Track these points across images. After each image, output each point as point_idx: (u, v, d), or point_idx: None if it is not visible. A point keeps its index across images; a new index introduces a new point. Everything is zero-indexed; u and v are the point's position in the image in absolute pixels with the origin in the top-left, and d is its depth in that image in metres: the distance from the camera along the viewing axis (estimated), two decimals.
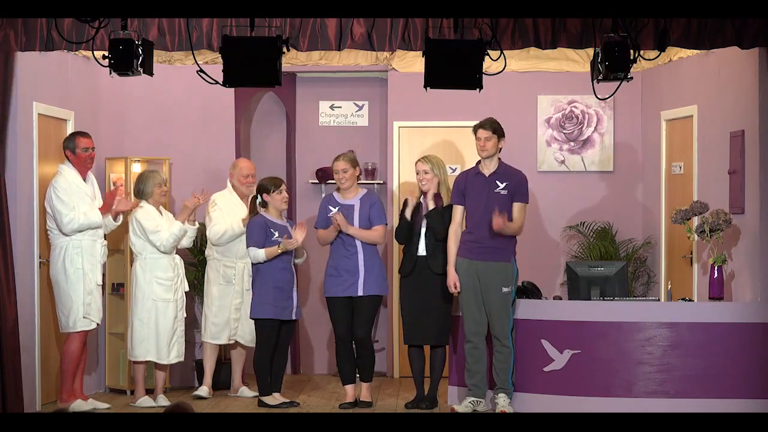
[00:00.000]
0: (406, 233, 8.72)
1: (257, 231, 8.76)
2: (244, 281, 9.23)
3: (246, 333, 9.24)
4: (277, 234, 8.76)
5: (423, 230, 8.69)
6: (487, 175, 8.50)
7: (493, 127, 8.47)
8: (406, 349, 9.04)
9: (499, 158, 8.54)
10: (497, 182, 8.46)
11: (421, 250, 8.70)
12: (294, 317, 8.88)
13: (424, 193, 8.71)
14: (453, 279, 8.49)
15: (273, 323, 8.77)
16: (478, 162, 8.58)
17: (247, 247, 8.78)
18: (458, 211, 8.58)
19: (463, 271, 8.46)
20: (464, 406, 8.40)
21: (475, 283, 8.41)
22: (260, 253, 8.72)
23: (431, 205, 8.65)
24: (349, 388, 8.82)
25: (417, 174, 8.73)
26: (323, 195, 10.36)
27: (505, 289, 8.39)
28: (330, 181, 10.41)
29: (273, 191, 8.82)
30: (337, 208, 8.78)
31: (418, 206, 8.76)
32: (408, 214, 8.71)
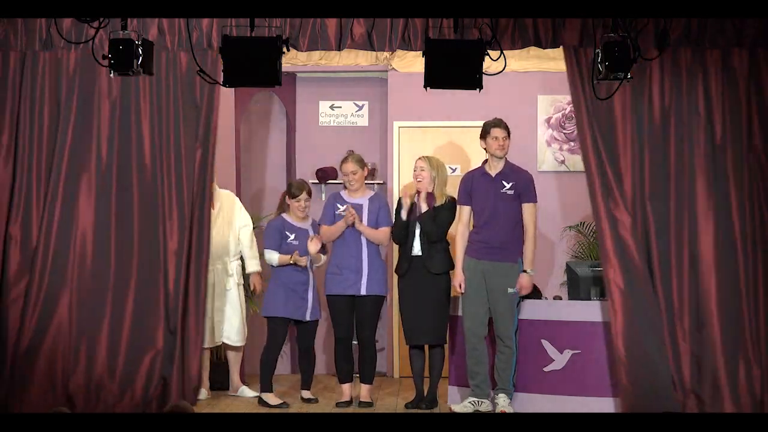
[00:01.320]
0: (403, 233, 8.73)
1: (273, 234, 8.87)
2: (224, 282, 9.21)
3: (232, 333, 9.21)
4: (293, 236, 8.86)
5: (417, 230, 8.70)
6: (493, 176, 8.49)
7: (507, 126, 8.49)
8: (407, 349, 9.05)
9: (506, 158, 8.55)
10: (503, 182, 8.46)
11: (416, 250, 8.70)
12: (308, 318, 8.90)
13: (419, 192, 8.73)
14: (459, 279, 8.49)
15: (282, 322, 8.81)
16: (484, 162, 8.58)
17: (264, 249, 8.87)
18: (465, 212, 8.58)
19: (470, 271, 8.45)
20: (463, 406, 8.40)
21: (481, 283, 8.41)
22: (274, 258, 8.84)
23: (424, 208, 8.66)
24: (346, 386, 8.82)
25: (414, 171, 8.76)
26: (323, 195, 10.36)
27: (511, 290, 8.39)
28: (330, 181, 10.41)
29: (294, 197, 8.89)
30: (345, 206, 8.80)
31: (412, 206, 8.76)
32: (404, 214, 8.72)
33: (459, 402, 8.58)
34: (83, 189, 8.36)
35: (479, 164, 8.66)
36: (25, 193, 8.36)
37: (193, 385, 8.39)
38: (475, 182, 8.54)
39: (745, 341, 8.09)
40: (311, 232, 8.94)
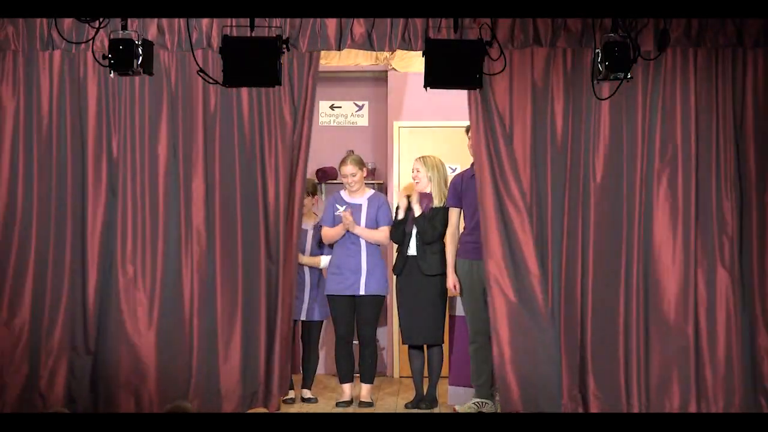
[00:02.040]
0: (399, 233, 8.75)
1: None
2: None
3: None
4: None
5: (414, 230, 8.70)
6: None
7: None
8: (407, 349, 9.05)
9: None
10: None
11: (412, 250, 8.71)
12: (303, 317, 8.92)
13: (417, 193, 8.74)
14: (453, 281, 8.49)
15: None
16: (472, 164, 8.58)
17: None
18: (454, 214, 8.58)
19: (465, 273, 8.46)
20: (468, 407, 8.40)
21: (476, 283, 8.41)
22: None
23: (417, 209, 8.66)
24: (347, 386, 8.83)
25: (412, 172, 8.78)
26: (323, 195, 10.36)
27: None
28: (330, 181, 10.41)
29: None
30: (344, 207, 8.80)
31: (408, 206, 8.78)
32: (400, 213, 8.74)
33: (460, 402, 8.59)
34: (196, 189, 8.33)
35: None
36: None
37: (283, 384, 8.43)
38: (465, 183, 8.54)
39: (630, 345, 8.17)
40: (310, 233, 8.96)
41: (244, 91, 8.27)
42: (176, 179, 8.33)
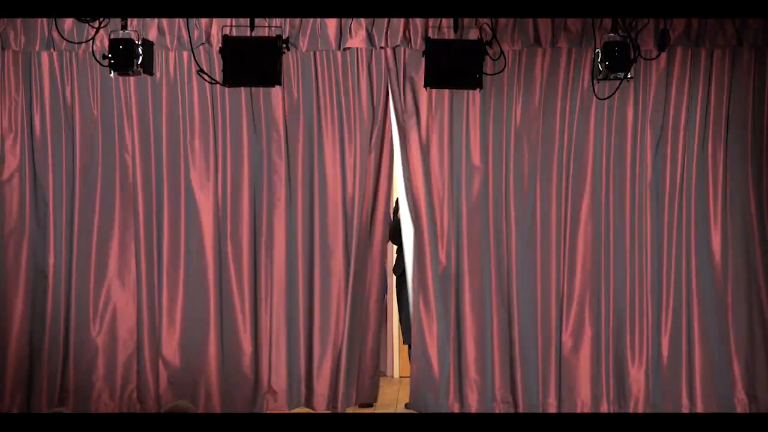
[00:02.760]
0: (397, 233, 8.76)
1: None
2: None
3: None
4: None
5: None
6: None
7: None
8: (407, 349, 9.05)
9: None
10: None
11: None
12: None
13: None
14: None
15: None
16: None
17: None
18: None
19: None
20: None
21: None
22: None
23: None
24: None
25: None
26: None
27: None
28: None
29: None
30: None
31: None
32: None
33: None
34: (277, 191, 8.37)
35: None
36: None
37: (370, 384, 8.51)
38: None
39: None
40: None
41: (325, 91, 8.27)
42: (260, 180, 8.34)
